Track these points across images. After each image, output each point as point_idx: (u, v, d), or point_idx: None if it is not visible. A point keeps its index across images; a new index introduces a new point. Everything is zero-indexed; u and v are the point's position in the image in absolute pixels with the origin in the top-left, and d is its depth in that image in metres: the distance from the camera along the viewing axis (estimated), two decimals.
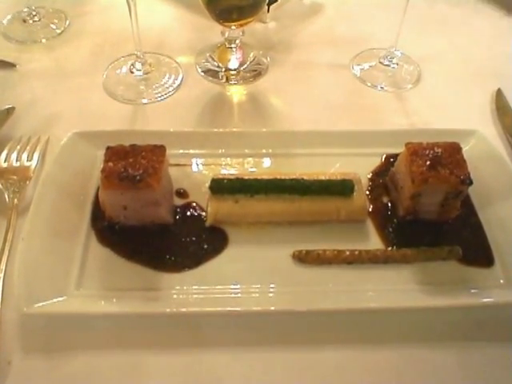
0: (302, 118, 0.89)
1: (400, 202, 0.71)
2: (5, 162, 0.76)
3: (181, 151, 0.77)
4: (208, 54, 0.99)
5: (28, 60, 0.97)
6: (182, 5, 1.11)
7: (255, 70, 0.97)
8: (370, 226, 0.71)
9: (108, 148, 0.67)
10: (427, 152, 0.68)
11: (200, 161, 0.78)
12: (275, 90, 0.94)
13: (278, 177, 0.71)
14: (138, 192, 0.64)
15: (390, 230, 0.71)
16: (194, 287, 0.63)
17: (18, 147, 0.78)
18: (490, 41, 1.07)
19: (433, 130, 0.81)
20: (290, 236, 0.69)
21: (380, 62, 0.99)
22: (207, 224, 0.69)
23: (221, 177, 0.71)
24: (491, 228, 0.70)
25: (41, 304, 0.59)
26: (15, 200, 0.71)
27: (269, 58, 1.00)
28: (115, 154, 0.66)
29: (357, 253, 0.67)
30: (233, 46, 0.96)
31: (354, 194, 0.70)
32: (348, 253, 0.67)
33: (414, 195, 0.67)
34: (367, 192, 0.74)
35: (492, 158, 0.76)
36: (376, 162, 0.78)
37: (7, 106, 0.85)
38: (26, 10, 1.06)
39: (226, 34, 0.93)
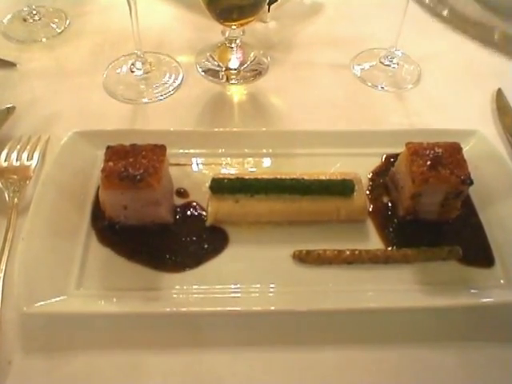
0: (303, 117, 0.89)
1: (400, 202, 0.71)
2: (5, 161, 0.76)
3: (181, 151, 0.77)
4: (208, 54, 0.99)
5: (28, 59, 0.97)
6: (183, 4, 1.11)
7: (255, 70, 0.97)
8: (371, 226, 0.71)
9: (108, 147, 0.67)
10: (427, 152, 0.68)
11: (200, 160, 0.78)
12: (276, 90, 0.94)
13: (279, 176, 0.71)
14: (139, 192, 0.64)
15: (391, 229, 0.71)
16: (195, 287, 0.63)
17: (19, 146, 0.78)
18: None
19: (433, 130, 0.81)
20: (291, 236, 0.69)
21: (380, 62, 0.99)
22: (207, 224, 0.69)
23: (221, 176, 0.71)
24: (491, 228, 0.70)
25: (41, 303, 0.59)
26: (15, 199, 0.71)
27: (269, 58, 1.00)
28: (115, 153, 0.66)
29: (357, 253, 0.67)
30: (233, 45, 0.96)
31: (355, 193, 0.70)
32: (348, 253, 0.67)
33: (415, 195, 0.67)
34: (367, 192, 0.74)
35: (492, 158, 0.76)
36: (376, 161, 0.78)
37: (7, 106, 0.85)
38: (26, 9, 1.06)
39: (227, 34, 0.93)
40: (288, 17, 1.10)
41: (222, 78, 0.95)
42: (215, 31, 0.94)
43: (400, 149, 0.71)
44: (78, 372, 0.58)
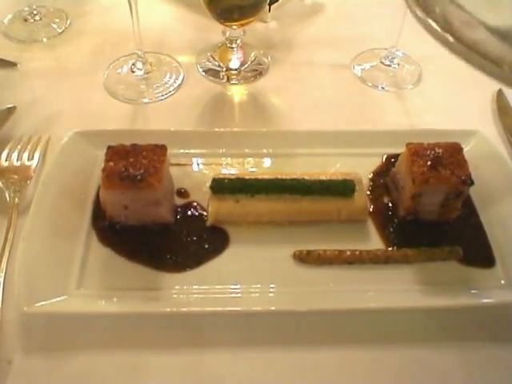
0: (303, 117, 0.89)
1: (401, 203, 0.71)
2: (6, 161, 0.76)
3: (182, 151, 0.77)
4: (209, 54, 0.99)
5: (29, 59, 0.97)
6: (183, 4, 1.11)
7: (256, 70, 0.97)
8: (371, 226, 0.71)
9: (109, 147, 0.67)
10: (428, 152, 0.68)
11: (201, 160, 0.78)
12: (276, 90, 0.94)
13: (279, 177, 0.71)
14: (139, 192, 0.64)
15: (391, 230, 0.71)
16: (195, 287, 0.63)
17: (19, 146, 0.78)
18: None
19: (434, 131, 0.81)
20: (291, 236, 0.69)
21: (381, 62, 0.99)
22: (208, 224, 0.69)
23: (222, 176, 0.71)
24: (492, 228, 0.70)
25: (41, 303, 0.59)
26: (16, 199, 0.71)
27: (270, 58, 1.00)
28: (116, 153, 0.66)
29: (357, 253, 0.67)
30: (234, 45, 0.96)
31: (355, 194, 0.70)
32: (349, 253, 0.67)
33: (415, 195, 0.67)
34: (368, 192, 0.74)
35: (493, 159, 0.76)
36: (377, 162, 0.78)
37: (8, 106, 0.85)
38: (26, 9, 1.06)
39: (227, 34, 0.93)
40: (288, 17, 1.10)
41: (222, 78, 0.95)
42: (216, 31, 0.95)
43: (400, 149, 0.71)
44: (79, 372, 0.58)
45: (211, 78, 0.95)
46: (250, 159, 0.78)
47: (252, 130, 0.84)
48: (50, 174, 0.71)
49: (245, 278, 0.64)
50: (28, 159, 0.77)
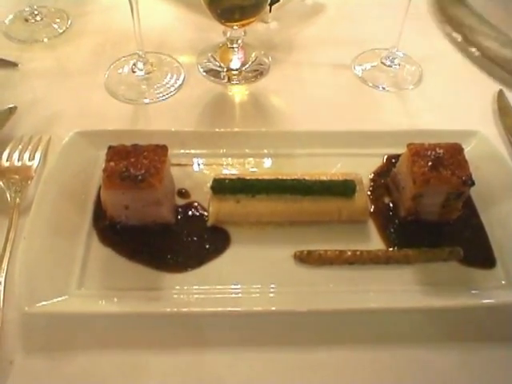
0: (304, 118, 0.89)
1: (401, 203, 0.71)
2: (7, 161, 0.76)
3: (182, 151, 0.77)
4: (210, 54, 0.99)
5: (30, 59, 0.97)
6: (184, 4, 1.11)
7: (257, 70, 0.97)
8: (372, 227, 0.71)
9: (110, 148, 0.67)
10: (429, 153, 0.68)
11: (202, 161, 0.78)
12: (277, 90, 0.94)
13: (280, 177, 0.71)
14: (140, 192, 0.64)
15: (392, 230, 0.71)
16: (195, 287, 0.63)
17: (20, 147, 0.79)
18: None
19: (434, 131, 0.81)
20: (292, 236, 0.69)
21: (382, 63, 0.99)
22: (209, 224, 0.69)
23: (222, 177, 0.71)
24: (493, 229, 0.70)
25: (42, 303, 0.59)
26: (17, 199, 0.71)
27: (270, 58, 1.00)
28: (117, 153, 0.66)
29: (358, 253, 0.67)
30: (235, 45, 0.96)
31: (356, 194, 0.70)
32: (349, 253, 0.67)
33: (416, 196, 0.67)
34: (369, 192, 0.74)
35: (494, 159, 0.76)
36: (377, 162, 0.78)
37: (9, 106, 0.85)
38: (27, 9, 1.06)
39: (228, 34, 0.93)
40: (289, 17, 1.10)
41: (223, 79, 0.96)
42: (217, 31, 0.95)
43: (401, 149, 0.71)
44: (79, 372, 0.58)
45: (212, 78, 0.95)
46: (251, 159, 0.78)
47: (253, 130, 0.84)
48: (50, 174, 0.71)
49: (245, 278, 0.64)
50: (29, 159, 0.77)
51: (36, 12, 1.06)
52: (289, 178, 0.70)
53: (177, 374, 0.59)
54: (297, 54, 1.02)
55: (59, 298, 0.60)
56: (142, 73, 0.95)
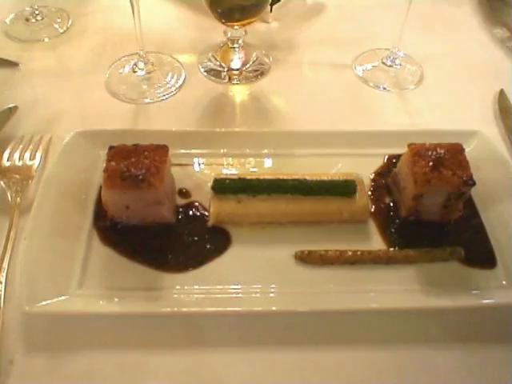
0: (304, 118, 0.89)
1: (402, 203, 0.71)
2: (7, 161, 0.76)
3: (183, 151, 0.77)
4: (211, 54, 0.99)
5: (30, 59, 0.97)
6: (185, 4, 1.11)
7: (258, 70, 0.97)
8: (373, 227, 0.71)
9: (110, 147, 0.67)
10: (430, 153, 0.68)
11: (202, 161, 0.78)
12: (277, 90, 0.94)
13: (281, 177, 0.71)
14: (141, 192, 0.64)
15: (393, 230, 0.71)
16: (196, 287, 0.63)
17: (21, 146, 0.79)
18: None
19: (435, 131, 0.81)
20: (293, 236, 0.69)
21: (382, 63, 0.99)
22: (209, 224, 0.69)
23: (223, 177, 0.71)
24: (493, 229, 0.70)
25: (43, 303, 0.59)
26: (18, 199, 0.71)
27: (271, 58, 1.00)
28: (118, 153, 0.66)
29: (359, 253, 0.67)
30: (235, 45, 0.96)
31: (357, 194, 0.70)
32: (350, 253, 0.67)
33: (417, 196, 0.67)
34: (369, 193, 0.74)
35: (494, 159, 0.76)
36: (378, 162, 0.78)
37: (10, 105, 0.85)
38: (28, 9, 1.06)
39: (229, 34, 0.93)
40: (290, 17, 1.10)
41: (224, 78, 0.96)
42: (217, 31, 0.95)
43: (402, 150, 0.71)
44: (80, 371, 0.58)
45: (213, 78, 0.95)
46: (252, 159, 0.78)
47: (253, 130, 0.84)
48: (51, 173, 0.71)
49: (246, 278, 0.64)
50: (30, 159, 0.77)
51: (37, 12, 1.06)
52: (290, 178, 0.70)
53: (177, 374, 0.59)
54: (298, 53, 1.02)
55: (60, 298, 0.60)
56: (142, 73, 0.95)
